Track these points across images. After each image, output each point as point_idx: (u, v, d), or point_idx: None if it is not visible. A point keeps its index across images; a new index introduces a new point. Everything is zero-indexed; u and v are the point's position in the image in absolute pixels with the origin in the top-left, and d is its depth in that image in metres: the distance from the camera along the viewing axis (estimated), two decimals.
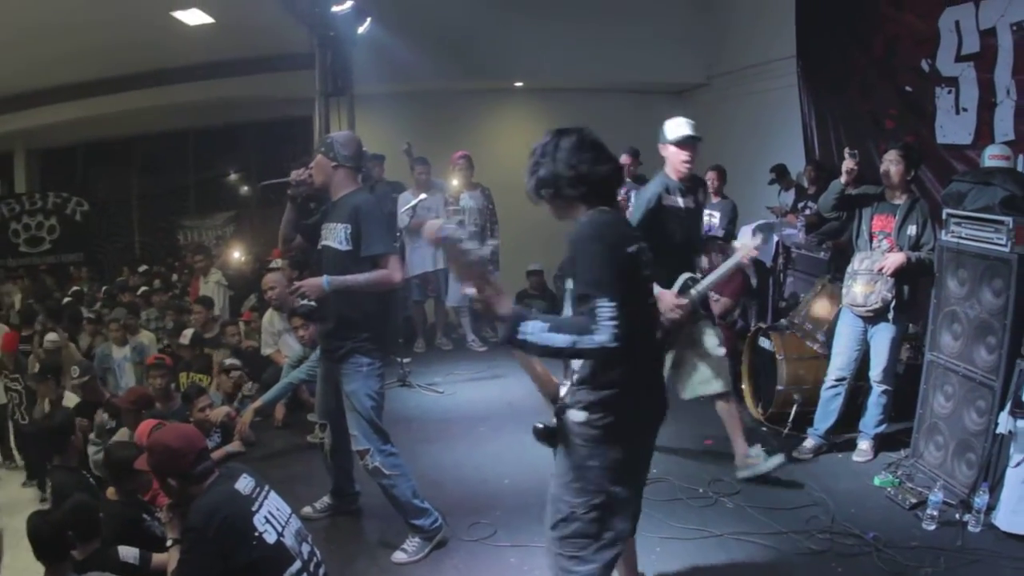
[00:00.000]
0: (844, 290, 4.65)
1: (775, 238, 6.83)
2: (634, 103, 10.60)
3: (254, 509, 2.72)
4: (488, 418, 5.69)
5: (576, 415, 2.44)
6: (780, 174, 8.01)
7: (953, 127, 5.89)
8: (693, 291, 4.16)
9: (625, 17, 9.58)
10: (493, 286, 2.28)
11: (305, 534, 2.93)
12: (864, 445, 4.72)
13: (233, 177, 14.04)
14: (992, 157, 4.54)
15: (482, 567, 3.65)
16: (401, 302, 7.17)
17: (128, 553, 3.30)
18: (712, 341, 4.31)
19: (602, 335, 2.18)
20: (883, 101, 6.70)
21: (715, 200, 6.65)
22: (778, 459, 4.30)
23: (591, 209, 2.44)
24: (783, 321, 5.64)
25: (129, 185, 13.90)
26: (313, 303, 3.81)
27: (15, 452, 7.00)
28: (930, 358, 4.46)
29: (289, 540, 2.76)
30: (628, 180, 6.98)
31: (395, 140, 7.54)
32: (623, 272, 2.30)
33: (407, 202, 6.56)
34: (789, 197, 7.87)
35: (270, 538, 2.68)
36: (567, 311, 2.48)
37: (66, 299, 8.70)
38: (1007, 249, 3.85)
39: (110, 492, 3.75)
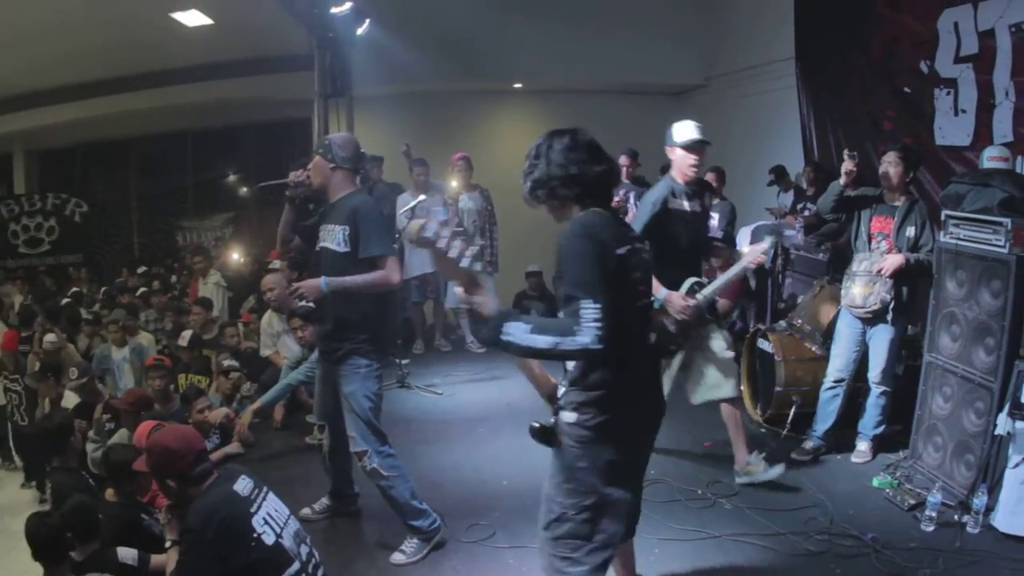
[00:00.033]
0: (843, 291, 4.66)
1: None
2: (633, 104, 10.61)
3: (253, 510, 2.72)
4: (487, 419, 5.68)
5: (567, 415, 2.45)
6: (779, 175, 8.01)
7: (952, 128, 5.89)
8: (700, 295, 4.12)
9: (624, 19, 9.61)
10: (479, 286, 2.29)
11: (304, 535, 2.92)
12: (863, 446, 4.73)
13: (232, 178, 14.04)
14: (991, 159, 4.54)
15: (480, 568, 3.65)
16: (400, 303, 7.17)
17: (127, 554, 3.30)
18: (720, 345, 4.28)
19: (584, 336, 2.18)
20: (882, 102, 6.71)
21: (714, 201, 6.64)
22: (778, 469, 4.28)
23: (584, 210, 2.44)
24: (782, 322, 5.64)
25: (128, 186, 13.90)
26: (312, 304, 3.81)
27: (14, 453, 7.00)
28: (929, 359, 4.46)
29: (288, 541, 2.76)
30: (627, 182, 6.98)
31: (394, 141, 7.54)
32: (611, 273, 2.29)
33: (406, 203, 6.56)
34: (788, 198, 7.87)
35: (269, 539, 2.68)
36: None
37: (65, 300, 8.69)
38: (1005, 250, 3.85)
39: (109, 493, 3.75)
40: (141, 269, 10.99)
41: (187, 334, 6.37)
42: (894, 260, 4.35)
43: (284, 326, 6.19)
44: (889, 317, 4.47)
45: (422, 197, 6.62)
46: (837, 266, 5.37)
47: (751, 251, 4.26)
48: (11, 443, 6.96)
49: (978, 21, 5.54)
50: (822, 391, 4.76)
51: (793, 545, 3.73)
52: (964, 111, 5.77)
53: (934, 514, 3.82)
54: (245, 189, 13.68)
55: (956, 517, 3.83)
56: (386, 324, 3.94)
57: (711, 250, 4.61)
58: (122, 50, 9.05)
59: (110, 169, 13.82)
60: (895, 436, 4.75)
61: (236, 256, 9.76)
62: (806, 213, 6.96)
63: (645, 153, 7.42)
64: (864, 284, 4.50)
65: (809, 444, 4.79)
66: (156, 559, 3.30)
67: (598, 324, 2.18)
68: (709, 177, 6.66)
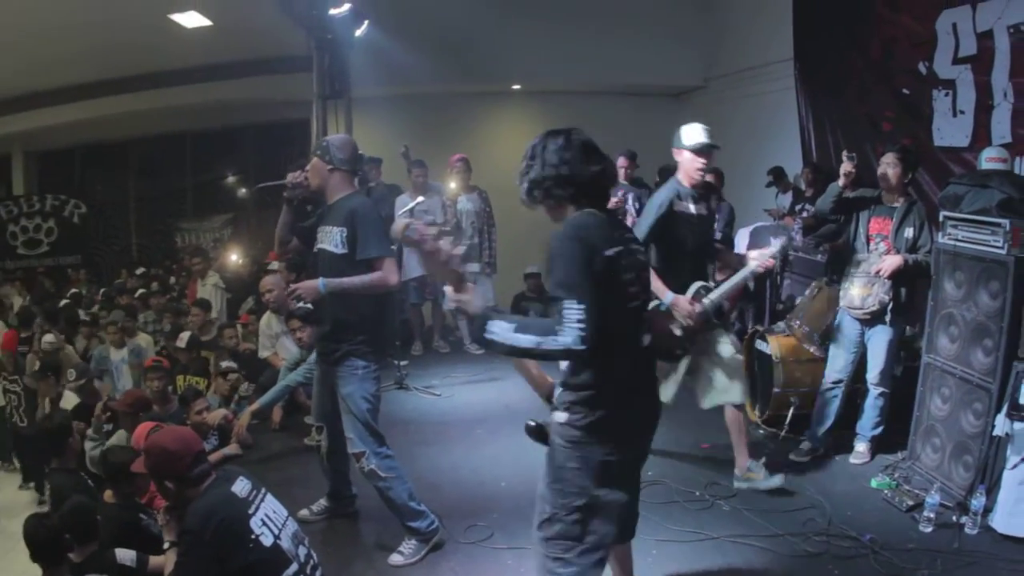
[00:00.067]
0: (841, 292, 4.66)
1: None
2: (631, 105, 10.62)
3: (251, 512, 2.72)
4: (485, 421, 5.69)
5: (558, 415, 2.45)
6: (777, 177, 8.01)
7: (950, 129, 5.90)
8: (706, 299, 4.09)
9: (622, 20, 9.61)
10: (465, 284, 2.29)
11: (302, 537, 2.92)
12: (861, 447, 4.73)
13: (231, 180, 14.05)
14: (989, 160, 4.55)
15: (479, 569, 3.65)
16: (398, 305, 7.17)
17: (125, 555, 3.30)
18: (728, 349, 4.24)
19: (566, 337, 2.19)
20: (880, 104, 6.71)
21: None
22: (777, 480, 4.27)
23: (580, 210, 2.45)
24: (780, 323, 5.63)
25: (127, 187, 13.92)
26: (310, 305, 3.81)
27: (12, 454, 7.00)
28: (927, 360, 4.46)
29: (286, 543, 2.76)
30: (625, 183, 6.98)
31: (392, 143, 7.53)
32: (599, 275, 2.29)
33: (405, 205, 6.56)
34: (786, 200, 7.86)
35: (267, 541, 2.68)
36: None
37: (64, 301, 8.68)
38: (1004, 251, 3.85)
39: (107, 495, 3.75)
40: (140, 270, 11.01)
41: (185, 335, 6.36)
42: (892, 261, 4.35)
43: (283, 327, 6.19)
44: (887, 318, 4.47)
45: (420, 199, 6.61)
46: (835, 267, 5.36)
47: (760, 255, 4.18)
48: (10, 444, 6.96)
49: (977, 22, 5.55)
50: (820, 392, 4.76)
51: (791, 546, 3.73)
52: (962, 112, 5.77)
53: (932, 515, 3.82)
54: (244, 190, 13.69)
55: (954, 518, 3.83)
56: (384, 325, 3.94)
57: (715, 253, 4.58)
58: (121, 51, 9.05)
59: (109, 170, 13.84)
60: (893, 437, 4.74)
61: (235, 257, 9.75)
62: (804, 214, 6.96)
63: (644, 154, 7.42)
64: (862, 285, 4.50)
65: (807, 445, 4.79)
66: (155, 560, 3.30)
67: (581, 325, 2.19)
68: (707, 178, 6.65)
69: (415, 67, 8.53)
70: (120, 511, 3.63)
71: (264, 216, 11.91)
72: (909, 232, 4.42)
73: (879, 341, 4.54)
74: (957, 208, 4.26)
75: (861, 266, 4.52)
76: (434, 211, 7.13)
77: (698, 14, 10.06)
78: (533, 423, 2.55)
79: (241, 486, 2.79)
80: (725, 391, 4.23)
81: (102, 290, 9.87)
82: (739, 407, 4.32)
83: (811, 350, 5.16)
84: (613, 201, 6.17)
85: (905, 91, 6.39)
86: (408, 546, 3.72)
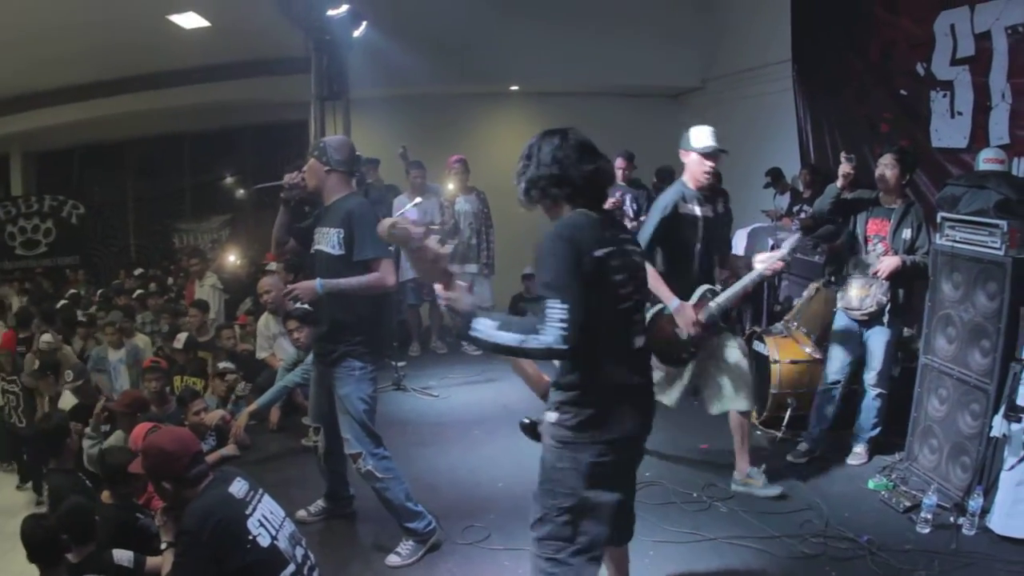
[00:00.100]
0: (839, 293, 4.66)
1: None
2: (629, 106, 10.64)
3: (248, 512, 2.71)
4: (482, 421, 5.69)
5: (549, 415, 2.46)
6: (775, 178, 8.02)
7: (948, 131, 5.90)
8: (713, 304, 4.05)
9: (620, 21, 9.62)
10: (454, 282, 2.30)
11: (299, 537, 2.92)
12: (858, 448, 4.73)
13: (229, 180, 14.04)
14: (987, 161, 4.55)
15: (476, 570, 3.65)
16: (395, 306, 7.17)
17: (123, 556, 3.29)
18: (735, 354, 4.20)
19: (547, 336, 2.20)
20: (878, 105, 6.72)
21: None
22: (776, 490, 4.25)
23: (575, 210, 2.45)
24: (778, 324, 5.64)
25: (125, 188, 13.92)
26: (307, 306, 3.80)
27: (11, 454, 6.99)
28: (924, 361, 4.47)
29: (283, 543, 2.76)
30: (623, 184, 6.98)
31: (390, 144, 7.54)
32: (587, 275, 2.29)
33: (403, 206, 6.56)
34: (784, 201, 7.87)
35: (264, 541, 2.68)
36: None
37: (62, 302, 8.68)
38: (1001, 252, 3.85)
39: (105, 495, 3.75)
40: (138, 271, 11.01)
41: (183, 336, 6.37)
42: (890, 262, 4.35)
43: (280, 328, 6.18)
44: (885, 319, 4.47)
45: (419, 199, 6.60)
46: (833, 268, 5.37)
47: (768, 257, 4.09)
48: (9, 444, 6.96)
49: (974, 23, 5.55)
50: (818, 393, 4.76)
51: (788, 548, 3.72)
52: (960, 113, 5.78)
53: (930, 516, 3.82)
54: (242, 191, 13.69)
55: (952, 519, 3.82)
56: (381, 326, 3.95)
57: (727, 256, 4.50)
58: (119, 52, 9.05)
59: (107, 171, 13.83)
60: (891, 438, 4.74)
61: (232, 258, 9.76)
62: (802, 215, 6.96)
63: (641, 155, 7.43)
64: (860, 286, 4.51)
65: (804, 446, 4.78)
66: (152, 561, 3.30)
67: (563, 324, 2.20)
68: None
69: (413, 68, 8.53)
70: (118, 512, 3.63)
71: (262, 217, 11.87)
72: (907, 233, 4.43)
73: (877, 342, 4.54)
74: (955, 209, 4.26)
75: (859, 267, 4.52)
76: (432, 212, 7.13)
77: (696, 15, 10.07)
78: (527, 420, 2.58)
79: (238, 487, 2.78)
80: (733, 398, 4.21)
81: (100, 291, 9.88)
82: (745, 413, 4.31)
83: (808, 351, 5.17)
84: (611, 202, 6.17)
85: (903, 92, 6.40)
86: (405, 547, 3.71)
